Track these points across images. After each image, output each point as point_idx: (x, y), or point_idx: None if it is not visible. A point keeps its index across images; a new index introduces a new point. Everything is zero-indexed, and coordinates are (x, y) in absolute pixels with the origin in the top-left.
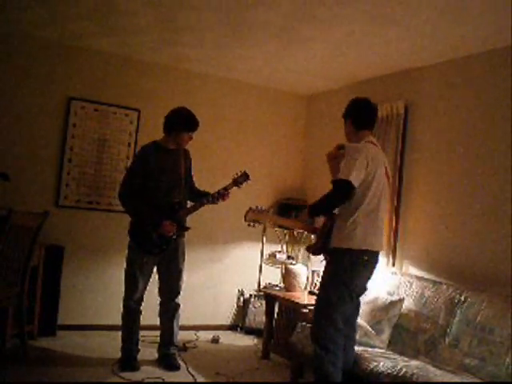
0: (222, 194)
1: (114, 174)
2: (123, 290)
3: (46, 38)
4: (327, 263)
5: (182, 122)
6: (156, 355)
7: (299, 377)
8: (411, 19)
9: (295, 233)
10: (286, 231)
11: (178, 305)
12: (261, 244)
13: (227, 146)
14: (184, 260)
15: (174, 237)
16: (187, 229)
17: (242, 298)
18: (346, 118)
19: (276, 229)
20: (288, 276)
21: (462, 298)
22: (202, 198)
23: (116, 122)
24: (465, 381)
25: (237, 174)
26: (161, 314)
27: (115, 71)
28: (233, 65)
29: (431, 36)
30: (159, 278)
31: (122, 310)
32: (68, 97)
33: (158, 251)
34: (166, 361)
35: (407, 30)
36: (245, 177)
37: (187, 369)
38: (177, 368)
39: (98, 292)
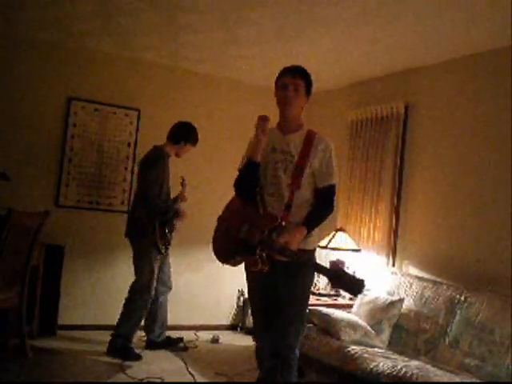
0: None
1: (114, 174)
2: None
3: (46, 38)
4: (292, 268)
5: (194, 136)
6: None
7: (299, 377)
8: (411, 19)
9: None
10: None
11: (171, 288)
12: None
13: (226, 146)
14: None
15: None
16: None
17: (241, 298)
18: (305, 84)
19: None
20: None
21: (462, 298)
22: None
23: (116, 121)
24: (465, 381)
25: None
26: (158, 303)
27: (115, 71)
28: (232, 65)
29: (431, 36)
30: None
31: (132, 307)
32: (68, 97)
33: (165, 250)
34: (172, 341)
35: (407, 30)
36: (182, 180)
37: (187, 369)
38: (181, 339)
39: (98, 292)
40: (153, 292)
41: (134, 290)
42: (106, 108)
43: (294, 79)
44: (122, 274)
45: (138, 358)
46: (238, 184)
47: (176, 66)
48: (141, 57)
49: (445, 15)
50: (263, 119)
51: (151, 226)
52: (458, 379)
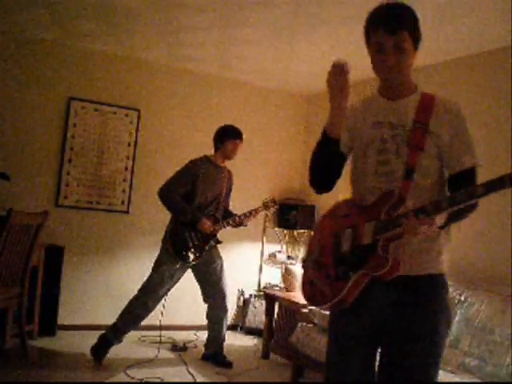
0: (251, 215)
1: (114, 174)
2: (139, 286)
3: (46, 38)
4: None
5: (227, 133)
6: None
7: (299, 377)
8: None
9: (295, 233)
10: (285, 231)
11: (227, 310)
12: (261, 244)
13: None
14: (222, 265)
15: (207, 248)
16: (219, 242)
17: (242, 298)
18: (410, 34)
19: (276, 229)
20: (288, 276)
21: (462, 298)
22: (234, 217)
23: (116, 121)
24: (465, 381)
25: (266, 199)
26: (209, 318)
27: (115, 71)
28: (233, 65)
29: (431, 36)
30: (200, 283)
31: (133, 302)
32: (68, 97)
33: (190, 260)
34: (219, 358)
35: None
36: (273, 202)
37: (187, 369)
38: (230, 364)
39: (98, 292)
40: (154, 301)
41: (139, 289)
42: (105, 108)
43: (393, 35)
44: (122, 274)
45: (100, 356)
46: (315, 179)
47: (176, 66)
48: (141, 57)
49: (445, 15)
50: (340, 67)
51: (170, 227)
52: (457, 379)
